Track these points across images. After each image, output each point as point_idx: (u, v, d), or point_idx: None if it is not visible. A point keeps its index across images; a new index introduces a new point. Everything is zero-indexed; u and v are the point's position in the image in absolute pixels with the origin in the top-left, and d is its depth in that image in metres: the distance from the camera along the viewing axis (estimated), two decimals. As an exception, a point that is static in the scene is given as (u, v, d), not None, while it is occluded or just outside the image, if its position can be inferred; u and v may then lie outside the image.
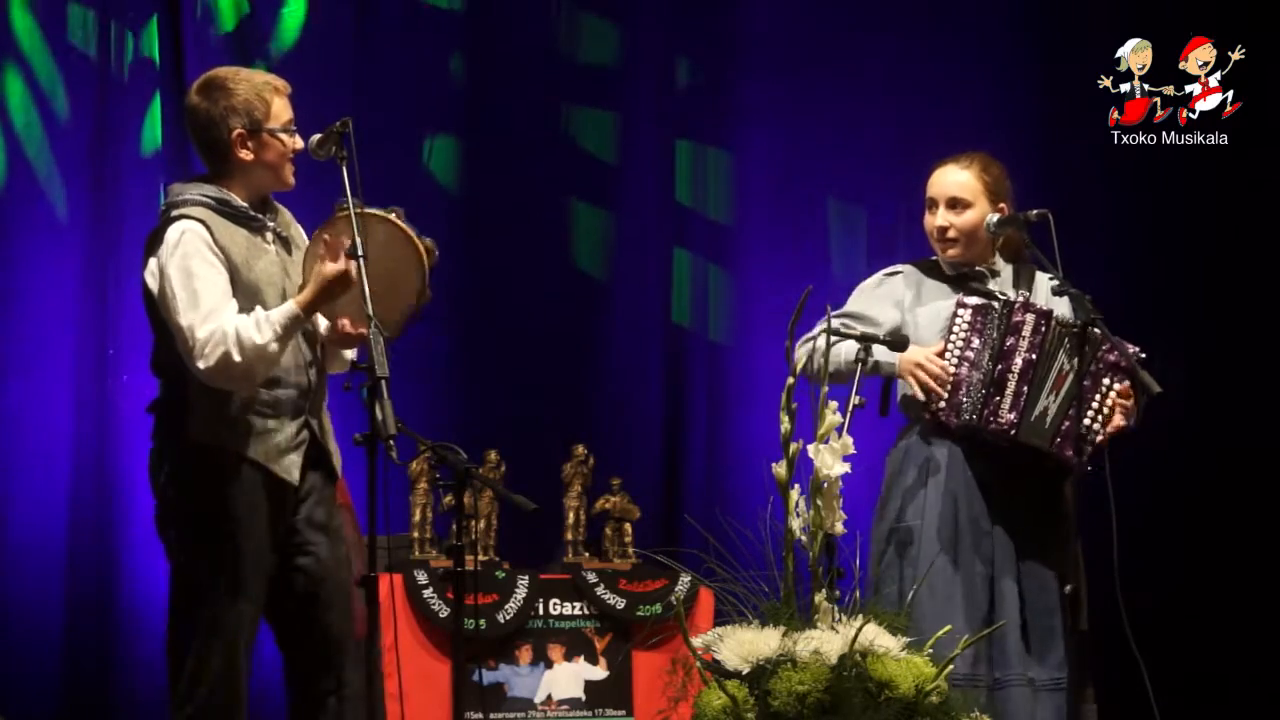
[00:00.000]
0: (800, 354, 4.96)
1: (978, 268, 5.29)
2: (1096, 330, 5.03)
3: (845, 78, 7.55)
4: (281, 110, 4.55)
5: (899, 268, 5.36)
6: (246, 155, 4.54)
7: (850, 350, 5.10)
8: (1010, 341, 5.10)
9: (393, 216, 4.48)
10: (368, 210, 4.44)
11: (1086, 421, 5.07)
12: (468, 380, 7.19)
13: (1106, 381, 5.11)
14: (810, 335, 5.06)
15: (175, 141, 6.80)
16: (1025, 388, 5.09)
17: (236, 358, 4.35)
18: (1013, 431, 5.09)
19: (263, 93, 4.54)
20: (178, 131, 6.77)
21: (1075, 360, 5.02)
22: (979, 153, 5.32)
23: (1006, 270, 5.32)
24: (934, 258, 5.34)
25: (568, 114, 7.42)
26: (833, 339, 5.00)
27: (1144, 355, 5.09)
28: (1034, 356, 5.10)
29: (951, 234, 5.25)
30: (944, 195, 5.26)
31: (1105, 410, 5.10)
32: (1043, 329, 5.11)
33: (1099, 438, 5.09)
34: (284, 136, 4.55)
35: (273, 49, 7.01)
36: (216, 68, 4.73)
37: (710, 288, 7.53)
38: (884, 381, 5.26)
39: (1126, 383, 5.11)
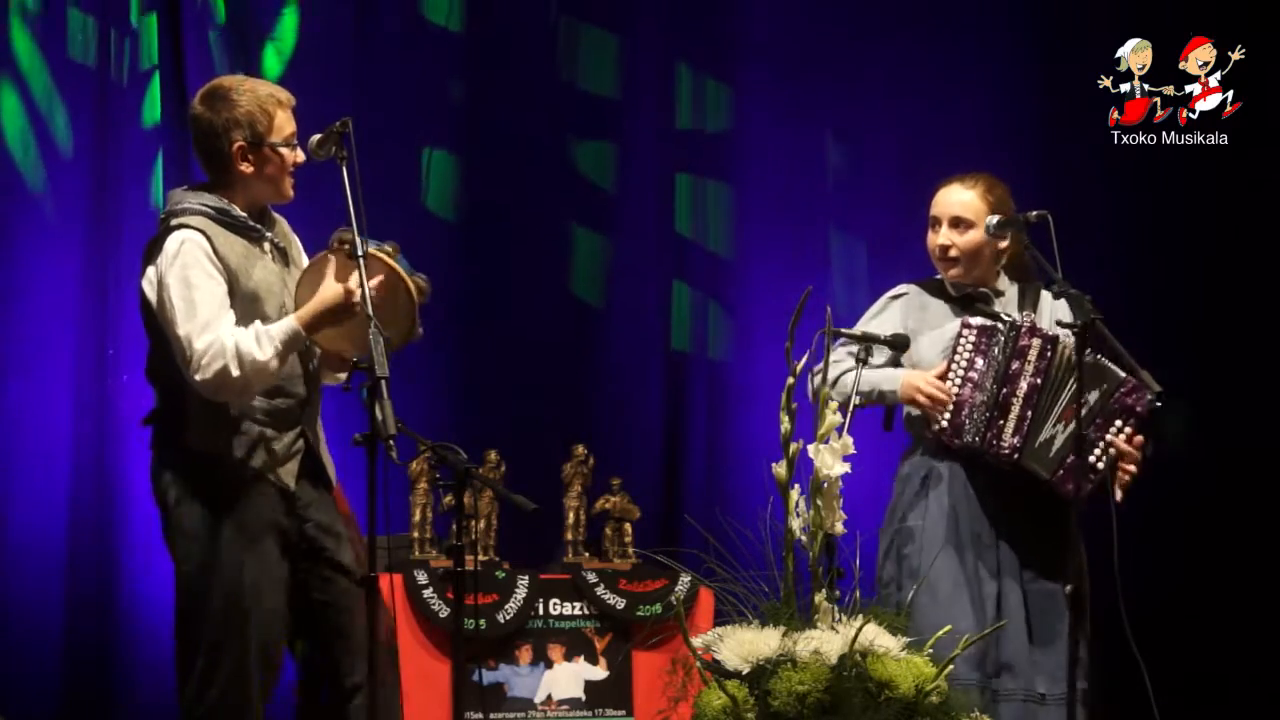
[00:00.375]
0: (811, 386, 4.94)
1: (982, 289, 5.28)
2: (1105, 361, 5.01)
3: (844, 101, 7.53)
4: (284, 124, 4.54)
5: (903, 289, 5.35)
6: (246, 168, 4.53)
7: (865, 380, 5.09)
8: (1015, 365, 5.09)
9: (386, 255, 4.47)
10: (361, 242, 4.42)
11: (1091, 459, 5.05)
12: (468, 381, 7.19)
13: (1119, 424, 5.09)
14: (818, 369, 5.00)
15: (175, 142, 6.80)
16: (1029, 413, 5.08)
17: (235, 372, 4.36)
18: (1015, 456, 5.08)
19: (266, 105, 4.53)
20: (177, 133, 6.77)
21: (1089, 395, 4.99)
22: (984, 173, 5.31)
23: (1011, 291, 5.31)
24: (938, 277, 5.34)
25: (568, 140, 7.42)
26: (833, 342, 5.00)
27: (1159, 404, 5.06)
28: (1039, 381, 5.09)
29: (953, 253, 5.24)
30: (947, 214, 5.25)
31: (1111, 451, 5.08)
32: (1049, 354, 5.09)
33: (1114, 481, 5.06)
34: (285, 151, 4.54)
35: (271, 49, 7.01)
36: (222, 76, 4.72)
37: (710, 318, 7.52)
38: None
39: (1139, 437, 5.09)
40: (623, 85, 7.46)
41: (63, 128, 6.78)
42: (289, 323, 4.42)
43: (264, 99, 4.53)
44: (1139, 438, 5.09)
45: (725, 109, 7.55)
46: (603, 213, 7.44)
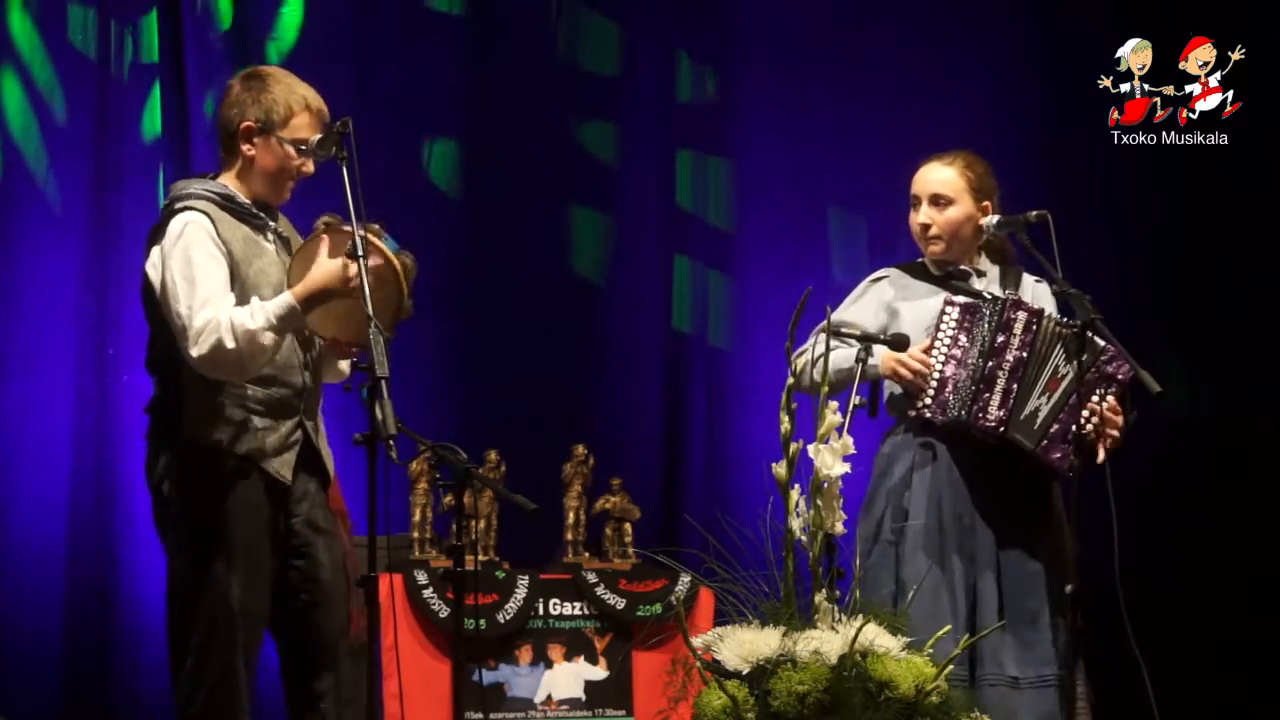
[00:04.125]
0: (798, 365, 4.94)
1: (963, 267, 5.30)
2: (1095, 336, 5.02)
3: (845, 79, 7.54)
4: (301, 126, 4.54)
5: (884, 272, 5.37)
6: (248, 149, 4.54)
7: (848, 357, 5.10)
8: (1002, 339, 5.10)
9: (372, 235, 4.47)
10: (346, 227, 4.42)
11: (1075, 428, 5.07)
12: (468, 380, 7.19)
13: (1100, 392, 5.11)
14: (806, 346, 5.04)
15: (175, 141, 6.81)
16: (1015, 385, 5.09)
17: (229, 344, 4.35)
18: (1001, 429, 5.09)
19: (291, 101, 4.53)
20: (178, 130, 6.77)
21: (1073, 365, 5.02)
22: (962, 150, 5.33)
23: (993, 271, 5.33)
24: (920, 260, 5.35)
25: (569, 121, 7.42)
26: (833, 343, 5.00)
27: (1130, 374, 5.07)
28: (1024, 355, 5.10)
29: (934, 231, 5.27)
30: (926, 192, 5.28)
31: (1095, 420, 5.09)
32: (1034, 327, 5.11)
33: (1090, 442, 5.08)
34: (289, 149, 4.53)
35: (272, 48, 7.01)
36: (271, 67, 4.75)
37: (710, 293, 7.53)
38: (872, 383, 5.26)
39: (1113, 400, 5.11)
40: (623, 67, 7.47)
41: (63, 126, 6.78)
42: (283, 297, 4.42)
43: (293, 95, 4.55)
44: (1117, 405, 5.09)
45: (724, 96, 7.56)
46: (604, 189, 7.44)
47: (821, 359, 4.71)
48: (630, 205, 7.45)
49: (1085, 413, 5.07)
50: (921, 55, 7.55)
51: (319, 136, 4.51)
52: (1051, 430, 5.07)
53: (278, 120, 4.52)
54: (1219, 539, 7.45)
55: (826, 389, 4.62)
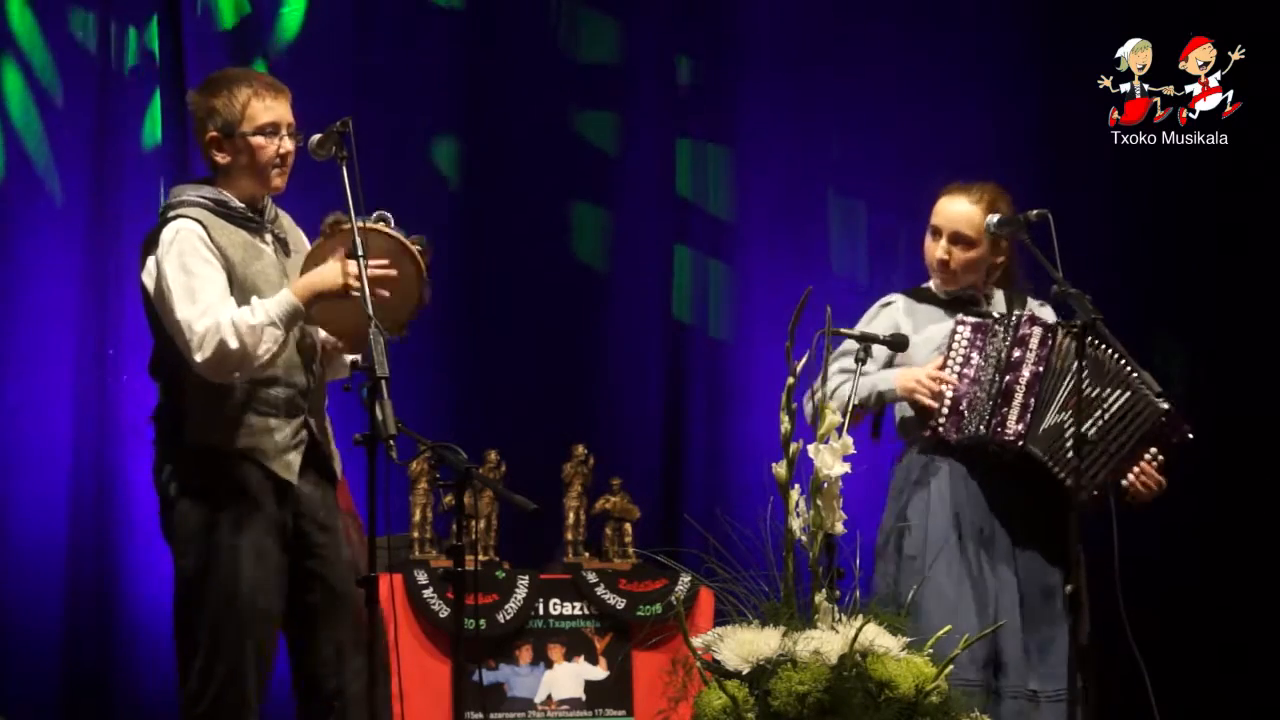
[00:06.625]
0: (807, 409, 4.94)
1: (970, 291, 5.30)
2: (1099, 342, 5.03)
3: (846, 76, 7.54)
4: (259, 113, 4.51)
5: (892, 297, 5.37)
6: (223, 159, 4.53)
7: (863, 388, 5.09)
8: (1018, 354, 5.11)
9: (382, 226, 4.46)
10: (358, 225, 4.41)
11: (1125, 482, 5.12)
12: (468, 380, 7.19)
13: (1154, 450, 5.14)
14: (816, 387, 4.98)
15: (175, 140, 6.81)
16: (1032, 400, 5.10)
17: (233, 344, 4.35)
18: (1019, 442, 5.09)
19: (238, 95, 4.50)
20: (178, 130, 6.78)
21: (1107, 394, 5.05)
22: (989, 185, 5.29)
23: (998, 296, 5.34)
24: (925, 285, 5.35)
25: (569, 113, 7.42)
26: (832, 341, 4.99)
27: (1191, 436, 5.14)
28: (1040, 369, 5.11)
29: (952, 266, 5.26)
30: (949, 228, 5.25)
31: (1142, 478, 5.14)
32: (1049, 342, 5.12)
33: (1127, 496, 5.14)
34: (260, 140, 4.51)
35: (273, 47, 7.01)
36: (225, 67, 4.72)
37: (711, 283, 7.52)
38: (877, 411, 5.26)
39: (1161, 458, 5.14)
40: (623, 58, 7.47)
41: (64, 125, 6.78)
42: (284, 294, 4.42)
43: (239, 89, 4.52)
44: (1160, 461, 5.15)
45: (725, 87, 7.56)
46: (605, 180, 7.43)
47: (826, 357, 4.71)
48: (630, 195, 7.43)
49: (1133, 473, 5.12)
50: (923, 52, 7.54)
51: (319, 135, 4.50)
52: (1097, 479, 5.09)
53: (235, 119, 4.50)
54: (1220, 537, 7.45)
55: (845, 421, 4.63)
